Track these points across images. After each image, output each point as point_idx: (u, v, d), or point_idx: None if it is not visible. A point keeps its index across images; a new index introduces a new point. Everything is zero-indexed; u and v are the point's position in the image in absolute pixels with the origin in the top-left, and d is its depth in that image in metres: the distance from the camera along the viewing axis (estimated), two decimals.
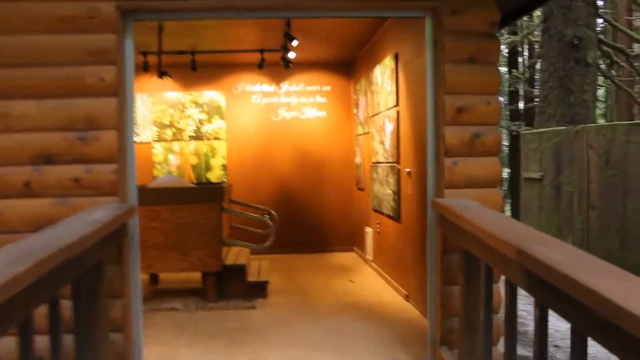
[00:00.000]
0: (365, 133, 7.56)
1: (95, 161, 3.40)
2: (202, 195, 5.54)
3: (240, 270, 5.68)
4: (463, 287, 3.41)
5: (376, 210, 6.89)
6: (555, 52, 10.44)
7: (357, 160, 8.12)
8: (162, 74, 6.86)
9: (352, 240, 8.68)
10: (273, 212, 6.60)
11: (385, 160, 6.27)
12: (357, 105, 8.13)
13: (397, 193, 5.76)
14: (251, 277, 5.81)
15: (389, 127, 6.05)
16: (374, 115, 6.90)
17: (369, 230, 7.39)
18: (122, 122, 3.45)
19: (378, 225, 6.85)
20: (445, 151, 3.70)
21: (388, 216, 6.25)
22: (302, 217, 8.62)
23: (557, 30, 10.29)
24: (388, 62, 6.06)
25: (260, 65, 7.49)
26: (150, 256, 5.49)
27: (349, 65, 8.65)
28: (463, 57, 3.73)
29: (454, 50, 3.72)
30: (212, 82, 8.52)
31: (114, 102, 3.40)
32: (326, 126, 8.64)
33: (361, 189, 7.96)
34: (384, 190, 6.32)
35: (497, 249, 2.64)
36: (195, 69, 7.43)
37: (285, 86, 8.56)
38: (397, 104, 5.76)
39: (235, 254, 6.12)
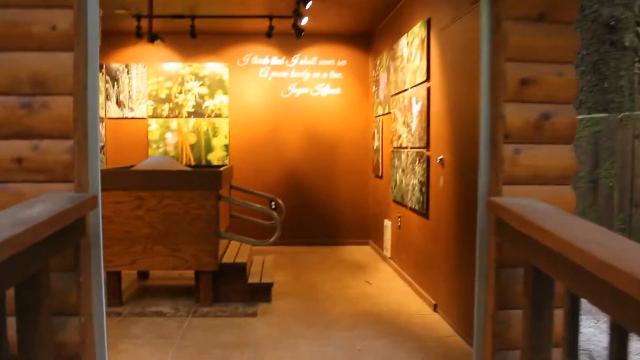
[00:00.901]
0: (385, 114, 6.69)
1: (43, 136, 2.56)
2: (196, 180, 4.70)
3: (240, 270, 4.86)
4: (528, 315, 2.57)
5: (397, 202, 6.04)
6: (589, 33, 9.48)
7: (375, 144, 7.26)
8: (153, 37, 5.98)
9: (367, 233, 7.85)
10: (279, 201, 5.77)
11: (410, 145, 5.40)
12: (376, 83, 7.25)
13: (425, 184, 4.91)
14: (253, 278, 4.98)
15: (417, 107, 5.18)
16: (397, 94, 6.03)
17: (387, 223, 6.55)
18: (80, 85, 2.59)
19: (399, 219, 6.00)
20: (505, 135, 2.84)
21: (412, 210, 5.40)
22: (312, 206, 7.79)
23: (592, 10, 9.34)
24: (417, 30, 5.17)
25: (269, 34, 6.61)
26: (135, 251, 4.68)
27: (367, 37, 7.75)
28: (531, 13, 2.85)
29: (520, 3, 2.85)
30: (214, 52, 7.65)
31: (69, 59, 2.55)
32: (341, 105, 7.76)
33: (379, 177, 7.11)
34: (408, 180, 5.46)
35: (602, 279, 1.79)
36: (195, 35, 6.57)
37: (296, 59, 7.68)
38: (427, 79, 4.88)
39: (234, 249, 5.29)
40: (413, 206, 5.30)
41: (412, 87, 5.37)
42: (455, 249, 4.18)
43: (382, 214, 6.94)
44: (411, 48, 5.39)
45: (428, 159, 4.89)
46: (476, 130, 3.07)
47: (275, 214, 4.71)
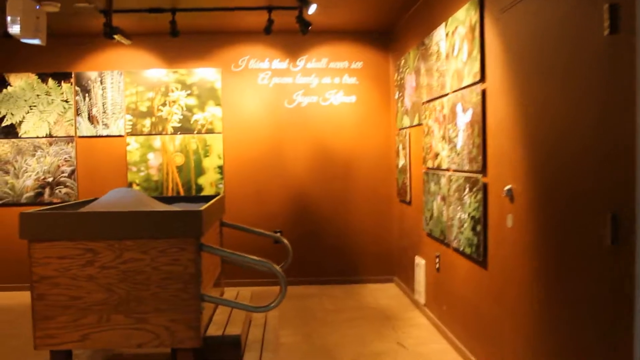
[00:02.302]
0: (414, 125, 5.40)
1: None
2: (167, 224, 3.41)
3: (231, 345, 3.56)
4: None
5: (435, 238, 4.75)
6: None
7: (401, 162, 5.96)
8: (111, 31, 4.67)
9: (391, 268, 6.54)
10: (285, 241, 4.46)
11: (455, 167, 4.12)
12: (400, 88, 5.96)
13: (481, 222, 3.61)
14: (250, 353, 3.69)
15: (464, 117, 3.89)
16: (431, 100, 4.75)
17: (420, 261, 5.24)
18: None
19: (437, 260, 4.70)
20: None
21: (460, 253, 4.10)
22: (325, 237, 6.50)
23: None
24: (464, 14, 3.89)
25: (268, 30, 5.36)
26: (87, 323, 3.39)
27: (388, 33, 6.48)
28: None
29: None
30: (204, 55, 6.39)
31: None
32: (357, 116, 6.48)
33: (406, 203, 5.81)
34: (453, 213, 4.17)
35: None
36: (176, 34, 5.32)
37: (302, 62, 6.42)
38: (482, 79, 3.60)
39: (225, 313, 3.99)
40: (461, 248, 4.00)
41: (455, 91, 4.09)
42: (530, 314, 2.88)
43: (411, 249, 5.64)
44: (453, 40, 4.11)
45: (485, 188, 3.59)
46: (583, 150, 1.78)
47: (278, 269, 3.40)
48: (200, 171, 6.35)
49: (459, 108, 4.00)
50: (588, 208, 2.35)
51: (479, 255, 3.66)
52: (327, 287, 6.32)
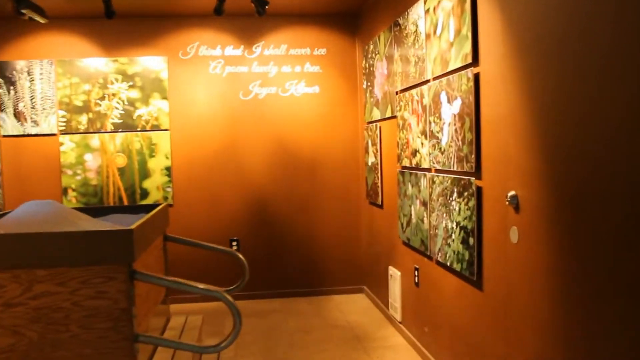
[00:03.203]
0: (385, 118, 4.79)
1: None
2: (89, 248, 2.71)
3: None
4: None
5: (412, 248, 4.15)
6: None
7: (370, 159, 5.35)
8: (17, 5, 3.87)
9: (359, 277, 5.93)
10: (241, 258, 3.77)
11: (439, 167, 3.51)
12: (368, 76, 5.34)
13: (475, 233, 3.01)
14: None
15: (450, 108, 3.29)
16: (406, 89, 4.14)
17: (395, 273, 4.64)
18: None
19: (416, 273, 4.10)
20: None
21: (448, 268, 3.50)
22: (287, 244, 5.84)
23: None
24: None
25: (218, 11, 4.66)
26: None
27: (353, 16, 5.84)
28: None
29: None
30: (147, 42, 5.65)
31: None
32: (320, 108, 5.83)
33: (377, 205, 5.20)
34: (437, 220, 3.57)
35: None
36: (111, 15, 4.58)
37: (258, 49, 5.73)
38: (474, 62, 2.99)
39: (168, 351, 3.30)
40: (448, 262, 3.40)
41: (438, 77, 3.48)
42: (543, 348, 2.29)
43: (384, 257, 5.03)
44: (435, 17, 3.50)
45: (479, 193, 2.99)
46: (616, 149, 1.18)
47: (231, 301, 2.73)
48: (145, 173, 5.61)
49: (443, 97, 3.39)
50: (628, 225, 1.76)
51: (472, 273, 3.06)
52: (291, 301, 5.67)
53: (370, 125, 5.31)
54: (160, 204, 3.88)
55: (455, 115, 3.22)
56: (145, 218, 3.07)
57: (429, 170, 3.73)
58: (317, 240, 5.86)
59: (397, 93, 4.40)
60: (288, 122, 5.77)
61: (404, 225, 4.30)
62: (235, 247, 5.72)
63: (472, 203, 3.04)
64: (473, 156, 3.00)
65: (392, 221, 4.73)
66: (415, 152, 3.97)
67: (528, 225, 2.48)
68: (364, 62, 5.50)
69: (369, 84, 5.32)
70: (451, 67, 3.25)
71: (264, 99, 5.73)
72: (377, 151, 5.08)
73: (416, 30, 3.86)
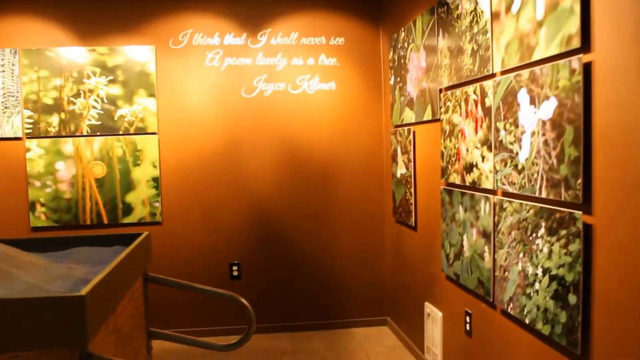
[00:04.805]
0: (423, 122, 3.89)
1: None
2: (20, 326, 1.81)
3: None
4: None
5: (463, 287, 3.26)
6: None
7: (399, 171, 4.45)
8: None
9: (382, 307, 5.04)
10: (244, 303, 2.88)
11: (514, 191, 2.61)
12: (398, 70, 4.44)
13: (580, 289, 2.11)
14: None
15: (536, 111, 2.39)
16: (457, 86, 3.25)
17: (435, 312, 3.75)
18: None
19: (468, 319, 3.21)
20: None
21: (524, 326, 2.60)
22: (297, 269, 4.94)
23: None
24: None
25: None
26: None
27: (376, 1, 4.94)
28: None
29: None
30: (132, 28, 4.74)
31: None
32: (337, 108, 4.93)
33: (408, 225, 4.31)
34: (506, 260, 2.67)
35: None
36: None
37: (264, 37, 4.82)
38: (584, 46, 2.08)
39: None
40: (526, 319, 2.50)
41: (514, 70, 2.59)
42: None
43: (417, 289, 4.14)
44: None
45: (587, 234, 2.09)
46: None
47: None
48: (128, 185, 4.71)
49: (522, 97, 2.49)
50: None
51: (573, 343, 2.16)
52: (302, 336, 4.77)
53: (399, 129, 4.41)
54: (141, 234, 2.97)
55: (544, 122, 2.32)
56: (114, 265, 2.16)
57: (493, 192, 2.83)
58: (332, 262, 4.96)
59: (441, 91, 3.51)
60: (299, 123, 4.87)
61: (451, 256, 3.40)
62: (236, 272, 4.82)
63: (575, 247, 2.14)
64: (579, 181, 2.10)
65: (430, 248, 3.84)
66: (471, 167, 3.07)
67: None
68: (391, 53, 4.59)
69: (398, 79, 4.42)
70: (538, 56, 2.35)
71: (270, 96, 4.83)
72: (409, 161, 4.18)
73: (475, 9, 2.96)
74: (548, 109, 2.29)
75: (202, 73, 4.76)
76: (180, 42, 4.73)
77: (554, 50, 2.24)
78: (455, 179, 3.31)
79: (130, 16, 4.69)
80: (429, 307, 3.88)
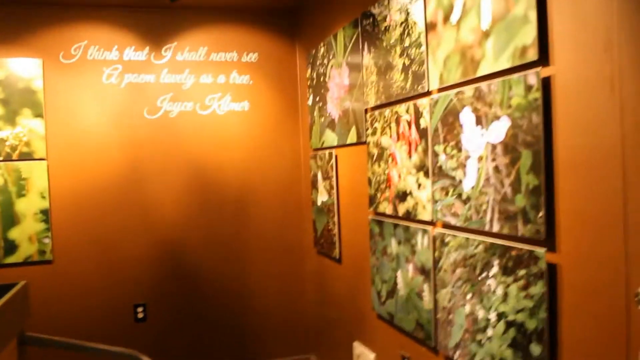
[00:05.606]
0: (346, 145, 3.57)
1: None
2: None
3: None
4: None
5: (399, 329, 2.93)
6: None
7: (320, 198, 4.09)
8: None
9: (305, 345, 4.64)
10: None
11: (458, 223, 2.30)
12: (317, 89, 4.11)
13: (546, 339, 1.82)
14: None
15: (484, 133, 2.11)
16: (386, 105, 2.95)
17: (365, 353, 3.39)
18: None
19: None
20: None
21: None
22: (209, 306, 4.46)
23: None
24: None
25: None
26: None
27: (292, 12, 4.61)
28: None
29: None
30: (15, 38, 4.14)
31: None
32: (251, 130, 4.54)
33: (331, 258, 3.95)
34: (450, 301, 2.36)
35: None
36: None
37: (169, 52, 4.37)
38: (541, 58, 1.80)
39: None
40: None
41: (453, 87, 2.30)
42: None
43: (344, 327, 3.78)
44: None
45: (552, 275, 1.81)
46: None
47: None
48: (11, 219, 4.08)
49: (466, 117, 2.20)
50: None
51: None
52: None
53: (319, 152, 4.07)
54: (16, 284, 2.44)
55: (494, 146, 2.03)
56: None
57: (432, 223, 2.52)
58: (250, 298, 4.52)
59: (367, 111, 3.19)
60: (209, 147, 4.42)
61: (383, 294, 3.07)
62: (141, 314, 4.28)
63: (537, 289, 1.85)
64: (541, 214, 1.81)
65: (358, 284, 3.50)
66: (404, 195, 2.76)
67: None
68: (309, 70, 4.26)
69: (317, 99, 4.09)
70: (485, 71, 2.07)
71: (176, 117, 4.36)
72: (331, 188, 3.84)
73: (407, 20, 2.67)
74: (499, 130, 2.01)
75: (99, 91, 4.23)
76: (73, 56, 4.18)
77: (504, 64, 1.97)
78: (385, 208, 2.99)
79: (13, 24, 4.10)
80: (358, 348, 3.52)
